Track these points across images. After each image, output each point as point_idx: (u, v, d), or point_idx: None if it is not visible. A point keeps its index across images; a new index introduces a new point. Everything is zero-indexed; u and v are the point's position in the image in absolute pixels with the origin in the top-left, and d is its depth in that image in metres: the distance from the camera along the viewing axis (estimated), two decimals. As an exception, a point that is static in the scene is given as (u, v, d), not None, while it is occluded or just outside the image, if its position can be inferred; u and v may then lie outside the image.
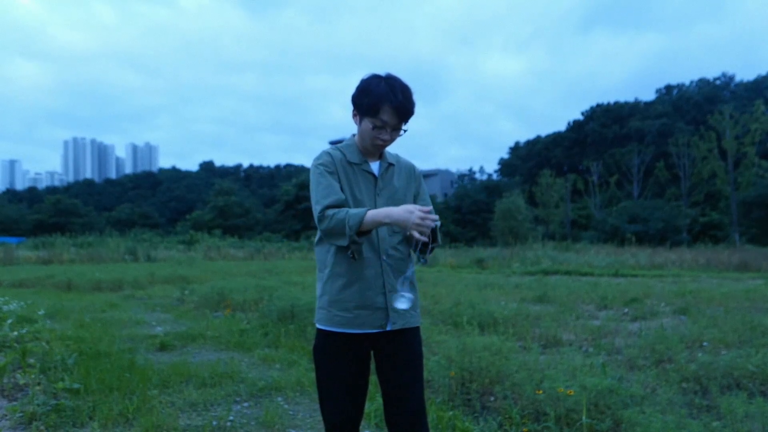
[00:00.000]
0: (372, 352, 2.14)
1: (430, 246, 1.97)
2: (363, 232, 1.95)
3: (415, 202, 2.18)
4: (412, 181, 2.20)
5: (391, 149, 2.22)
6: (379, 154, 2.16)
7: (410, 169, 2.23)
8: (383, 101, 1.94)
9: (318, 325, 2.11)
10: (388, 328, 2.07)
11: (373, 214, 1.90)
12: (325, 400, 2.11)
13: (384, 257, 2.05)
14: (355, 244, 1.95)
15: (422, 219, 1.84)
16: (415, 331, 2.17)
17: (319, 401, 2.14)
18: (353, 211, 1.93)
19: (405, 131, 2.08)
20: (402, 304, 1.97)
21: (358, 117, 2.06)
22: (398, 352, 2.10)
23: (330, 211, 1.96)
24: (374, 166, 2.13)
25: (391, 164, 2.17)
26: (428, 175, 78.88)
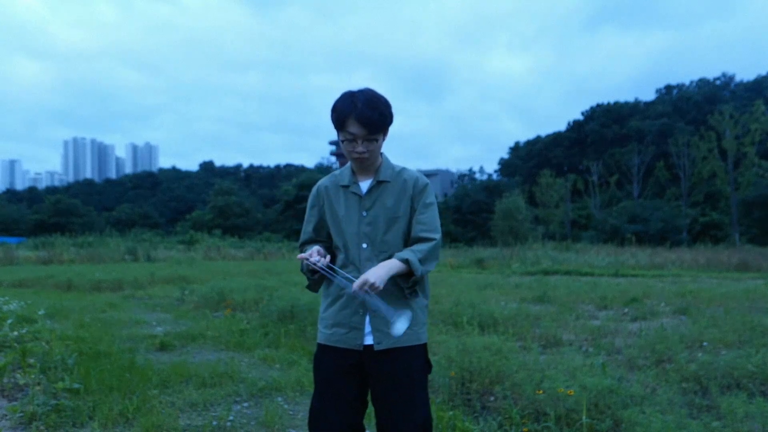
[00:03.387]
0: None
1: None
2: (316, 270, 2.07)
3: (411, 217, 2.12)
4: (407, 195, 2.11)
5: (396, 158, 2.21)
6: (375, 171, 2.13)
7: (408, 183, 2.13)
8: (346, 114, 1.98)
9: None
10: (375, 348, 2.04)
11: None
12: (312, 409, 2.12)
13: None
14: (309, 279, 2.15)
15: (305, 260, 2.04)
16: (410, 350, 2.08)
17: (308, 413, 2.15)
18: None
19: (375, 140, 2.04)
20: (402, 324, 1.89)
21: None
22: (386, 373, 2.06)
23: (303, 249, 2.22)
24: (365, 185, 2.12)
25: (383, 182, 2.11)
26: (429, 175, 78.54)
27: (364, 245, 2.07)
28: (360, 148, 2.02)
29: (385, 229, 2.08)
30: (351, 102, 1.98)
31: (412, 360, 2.08)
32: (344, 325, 2.08)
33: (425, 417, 2.07)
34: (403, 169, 2.18)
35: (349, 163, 2.17)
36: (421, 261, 2.00)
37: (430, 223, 2.10)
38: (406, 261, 1.96)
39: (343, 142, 2.04)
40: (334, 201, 2.15)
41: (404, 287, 2.04)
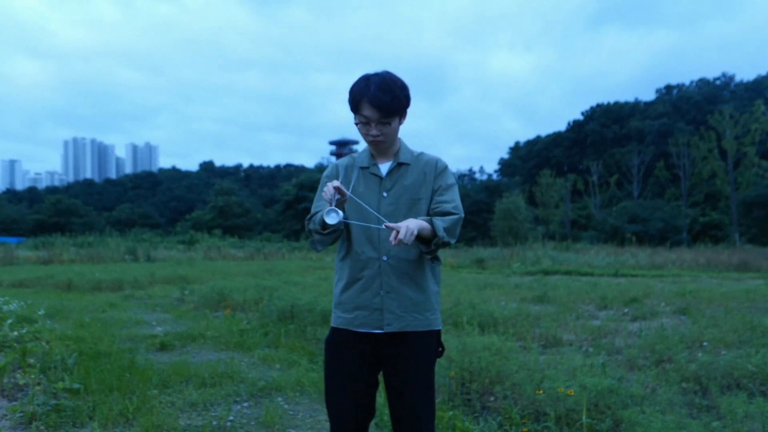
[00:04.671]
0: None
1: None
2: (328, 225, 2.02)
3: (432, 199, 2.14)
4: (428, 178, 2.15)
5: (412, 147, 2.23)
6: (394, 155, 2.15)
7: (429, 165, 2.16)
8: (360, 97, 2.00)
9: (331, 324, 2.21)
10: (385, 330, 2.06)
11: None
12: (328, 394, 2.14)
13: (384, 258, 2.05)
14: (316, 234, 2.08)
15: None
16: (423, 336, 2.12)
17: (324, 397, 2.16)
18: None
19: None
20: (330, 218, 1.92)
21: None
22: (399, 356, 2.09)
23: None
24: (384, 167, 2.14)
25: (403, 164, 2.14)
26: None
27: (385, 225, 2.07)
28: (374, 131, 2.03)
29: (406, 211, 2.10)
30: (365, 85, 2.00)
31: (423, 345, 2.12)
32: (366, 307, 2.08)
33: (432, 400, 2.13)
34: (422, 153, 2.21)
35: (366, 147, 2.18)
36: (446, 230, 2.02)
37: (453, 200, 2.12)
38: (430, 221, 1.98)
39: (357, 125, 2.06)
40: (353, 181, 2.14)
41: (424, 251, 2.04)
